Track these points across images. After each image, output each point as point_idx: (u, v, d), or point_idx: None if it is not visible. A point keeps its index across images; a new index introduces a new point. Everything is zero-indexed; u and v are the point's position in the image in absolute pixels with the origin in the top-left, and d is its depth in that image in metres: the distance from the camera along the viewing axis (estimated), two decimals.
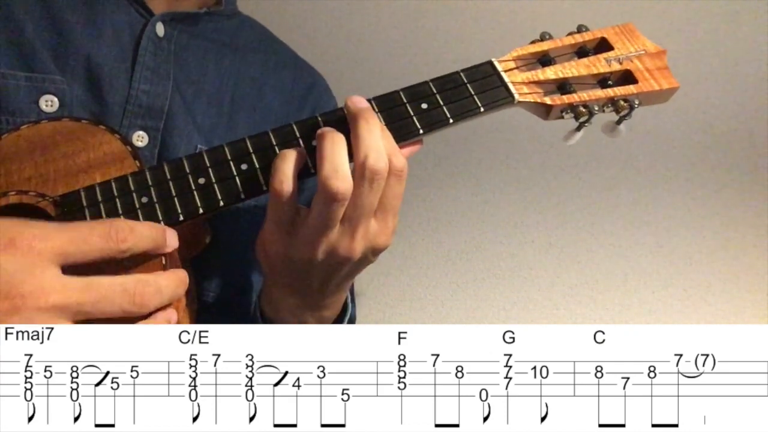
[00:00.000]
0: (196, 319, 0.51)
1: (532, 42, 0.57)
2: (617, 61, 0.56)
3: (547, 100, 0.54)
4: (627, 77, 0.56)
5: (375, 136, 0.46)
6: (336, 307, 0.57)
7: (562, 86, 0.55)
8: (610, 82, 0.56)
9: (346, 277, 0.52)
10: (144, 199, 0.48)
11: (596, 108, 0.55)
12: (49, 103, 0.56)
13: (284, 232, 0.48)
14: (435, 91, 0.52)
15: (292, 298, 0.54)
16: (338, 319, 0.59)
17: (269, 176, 0.48)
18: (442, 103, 0.52)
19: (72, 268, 0.40)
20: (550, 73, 0.55)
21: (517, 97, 0.53)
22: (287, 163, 0.47)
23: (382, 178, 0.45)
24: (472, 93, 0.53)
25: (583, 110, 0.54)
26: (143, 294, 0.41)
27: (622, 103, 0.54)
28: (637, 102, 0.54)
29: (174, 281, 0.43)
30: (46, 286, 0.37)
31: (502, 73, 0.54)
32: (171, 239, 0.45)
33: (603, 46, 0.57)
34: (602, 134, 0.58)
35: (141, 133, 0.60)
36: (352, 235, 0.47)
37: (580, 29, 0.58)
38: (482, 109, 0.53)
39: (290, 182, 0.46)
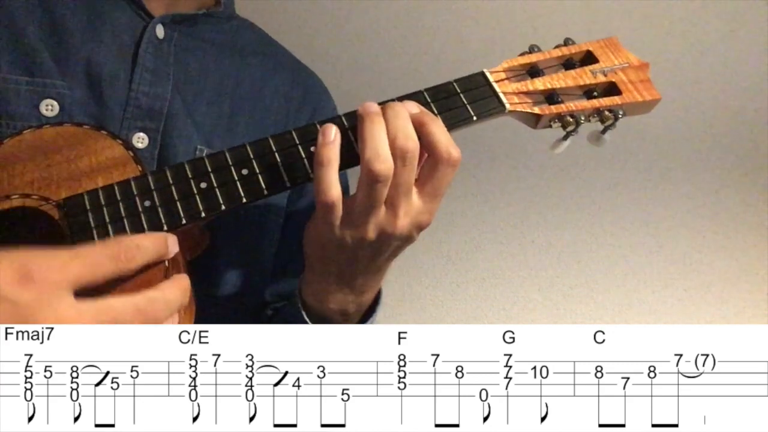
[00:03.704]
0: (197, 319, 0.51)
1: (522, 54, 0.59)
2: (602, 73, 0.58)
3: (536, 110, 0.56)
4: (611, 89, 0.58)
5: (401, 120, 0.49)
6: (375, 290, 0.59)
7: (550, 97, 0.57)
8: (595, 93, 0.57)
9: (390, 257, 0.55)
10: (147, 203, 0.48)
11: (582, 118, 0.57)
12: (49, 107, 0.57)
13: (335, 223, 0.51)
14: (429, 100, 0.53)
15: (335, 286, 0.56)
16: (372, 306, 0.61)
17: (269, 181, 0.50)
18: (436, 112, 0.53)
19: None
20: (539, 84, 0.57)
21: (508, 106, 0.55)
22: (329, 169, 0.49)
23: (413, 156, 0.48)
24: (465, 102, 0.54)
25: (570, 120, 0.56)
26: (155, 311, 0.42)
27: (606, 113, 0.56)
28: (621, 112, 0.56)
29: (179, 291, 0.44)
30: (61, 317, 0.38)
31: (494, 84, 0.55)
32: (172, 246, 0.46)
33: (588, 58, 0.59)
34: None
35: (141, 134, 0.60)
36: (395, 213, 0.50)
37: (567, 42, 0.60)
38: (475, 118, 0.54)
39: (337, 187, 0.49)
